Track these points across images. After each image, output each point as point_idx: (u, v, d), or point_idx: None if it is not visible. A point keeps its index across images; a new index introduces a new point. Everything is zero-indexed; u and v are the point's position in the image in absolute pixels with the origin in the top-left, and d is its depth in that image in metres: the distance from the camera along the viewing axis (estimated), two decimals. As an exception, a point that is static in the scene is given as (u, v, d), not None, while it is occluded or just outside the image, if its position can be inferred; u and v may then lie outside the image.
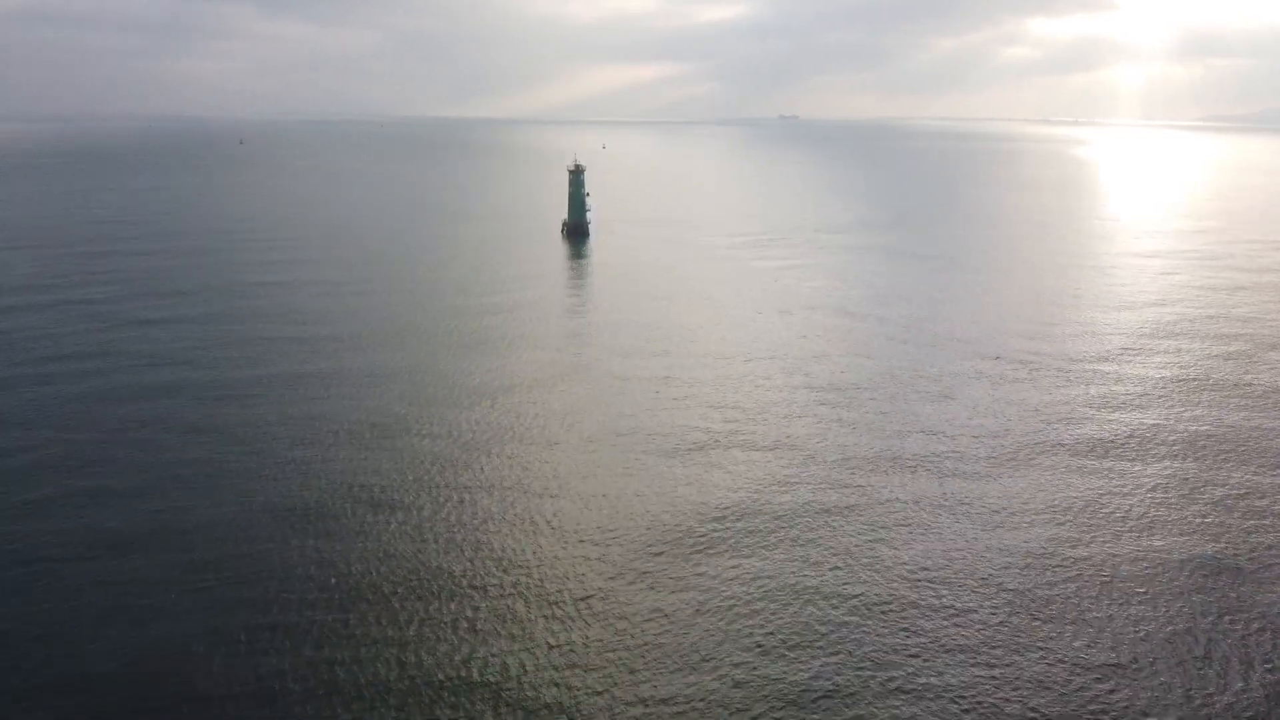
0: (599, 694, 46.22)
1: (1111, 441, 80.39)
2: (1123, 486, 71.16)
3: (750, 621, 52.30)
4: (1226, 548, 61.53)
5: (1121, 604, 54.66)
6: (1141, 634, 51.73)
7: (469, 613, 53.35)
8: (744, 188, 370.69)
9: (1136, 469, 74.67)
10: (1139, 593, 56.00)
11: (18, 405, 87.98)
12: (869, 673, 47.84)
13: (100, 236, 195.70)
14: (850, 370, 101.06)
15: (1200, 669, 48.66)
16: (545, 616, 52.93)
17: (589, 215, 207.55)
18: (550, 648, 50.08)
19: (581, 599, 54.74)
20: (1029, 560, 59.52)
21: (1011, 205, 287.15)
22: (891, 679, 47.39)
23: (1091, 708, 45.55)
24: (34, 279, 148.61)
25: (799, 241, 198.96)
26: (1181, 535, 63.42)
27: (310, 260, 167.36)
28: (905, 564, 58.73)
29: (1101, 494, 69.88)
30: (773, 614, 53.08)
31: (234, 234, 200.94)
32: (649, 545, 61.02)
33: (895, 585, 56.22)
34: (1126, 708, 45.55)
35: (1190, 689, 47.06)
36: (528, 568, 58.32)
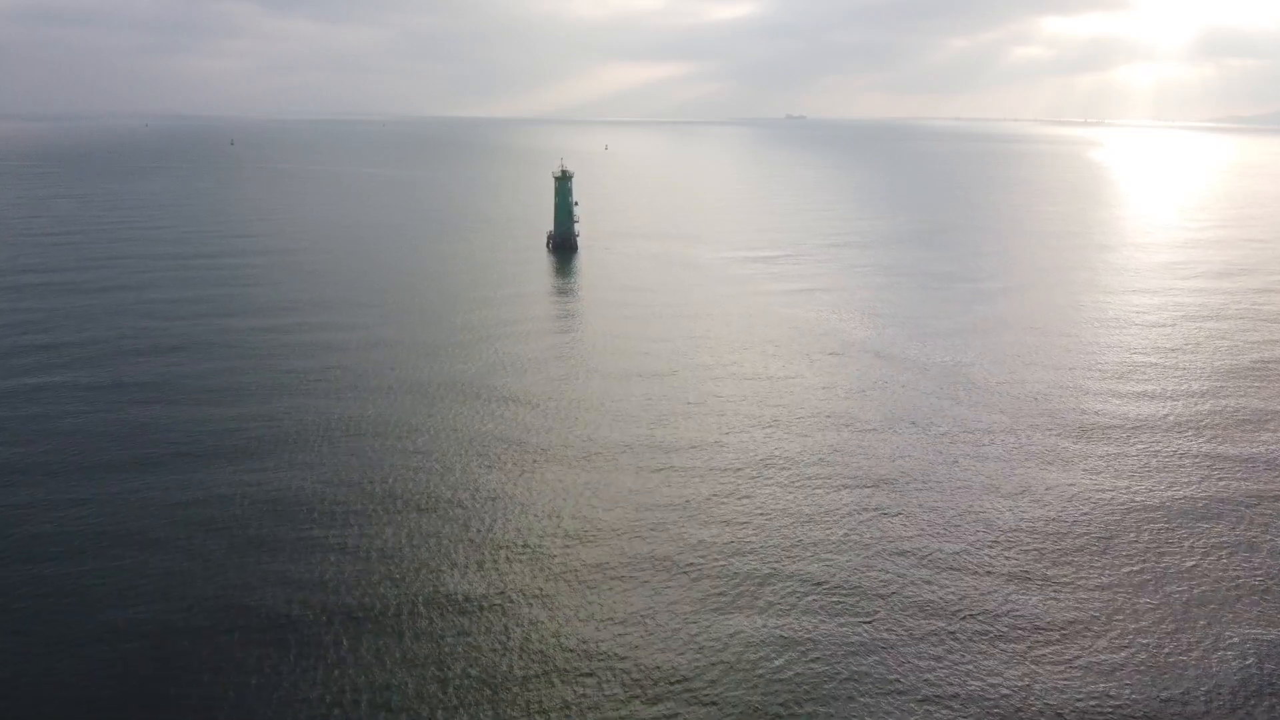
0: None
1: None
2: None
3: None
4: None
5: None
6: None
7: None
8: (752, 193, 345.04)
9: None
10: None
11: None
12: None
13: (6, 265, 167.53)
14: (897, 449, 76.41)
15: None
16: None
17: (577, 227, 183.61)
18: None
19: None
20: None
21: (1048, 216, 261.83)
22: None
23: None
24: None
25: (818, 259, 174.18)
26: None
27: (244, 296, 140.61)
28: None
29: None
30: None
31: (173, 256, 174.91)
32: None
33: None
34: None
35: None
36: None
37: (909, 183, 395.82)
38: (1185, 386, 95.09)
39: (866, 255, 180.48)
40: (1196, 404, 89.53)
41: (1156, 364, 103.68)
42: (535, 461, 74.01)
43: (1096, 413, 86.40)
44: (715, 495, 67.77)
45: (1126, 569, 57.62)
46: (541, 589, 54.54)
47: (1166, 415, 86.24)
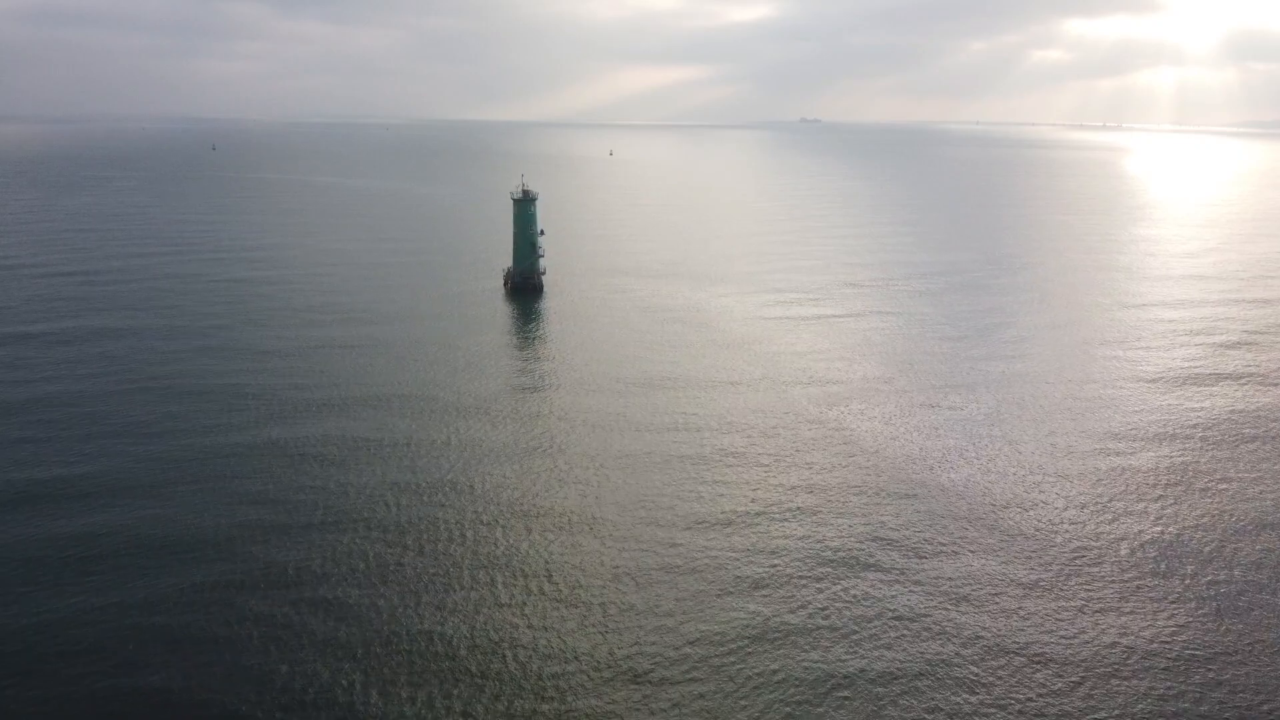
0: None
1: None
2: None
3: None
4: None
5: None
6: None
7: None
8: (769, 208, 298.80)
9: None
10: None
11: None
12: None
13: None
14: None
15: None
16: None
17: (542, 263, 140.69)
18: None
19: None
20: None
21: (1128, 241, 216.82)
22: None
23: None
24: None
25: (863, 309, 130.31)
26: None
27: (89, 388, 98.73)
28: None
29: None
30: None
31: (27, 319, 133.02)
32: None
33: None
34: None
35: None
36: None
37: (949, 197, 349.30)
38: None
39: (927, 303, 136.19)
40: None
41: None
42: None
43: None
44: None
45: None
46: None
47: None
